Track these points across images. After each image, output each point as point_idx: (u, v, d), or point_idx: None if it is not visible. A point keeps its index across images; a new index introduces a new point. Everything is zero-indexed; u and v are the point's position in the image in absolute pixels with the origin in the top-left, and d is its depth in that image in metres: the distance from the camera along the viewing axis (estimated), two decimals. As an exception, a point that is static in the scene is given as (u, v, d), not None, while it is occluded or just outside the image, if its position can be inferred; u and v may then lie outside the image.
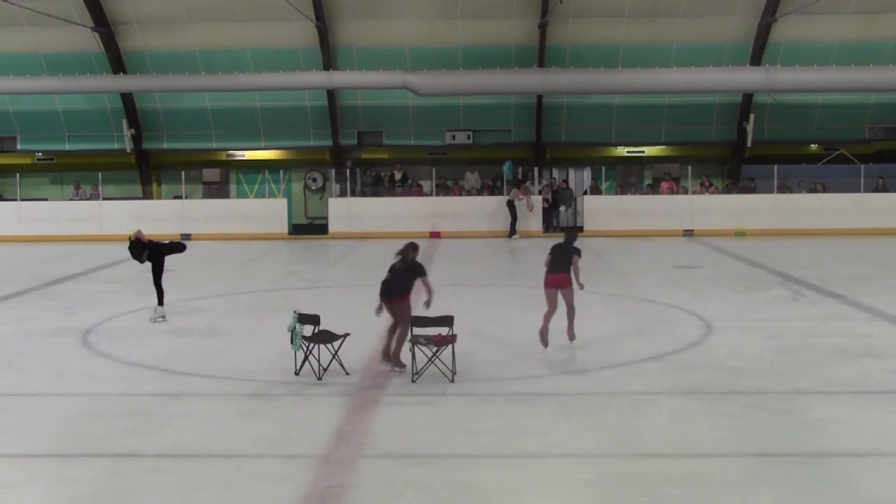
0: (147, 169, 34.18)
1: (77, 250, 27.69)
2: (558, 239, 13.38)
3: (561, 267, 12.80)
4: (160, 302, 15.63)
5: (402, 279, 11.65)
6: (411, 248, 11.81)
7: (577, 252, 12.91)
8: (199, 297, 18.29)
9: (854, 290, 17.98)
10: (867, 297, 17.13)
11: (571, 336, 13.11)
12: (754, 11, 30.52)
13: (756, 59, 31.10)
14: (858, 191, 30.98)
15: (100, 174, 32.59)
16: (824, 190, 31.84)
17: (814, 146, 33.41)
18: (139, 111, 33.39)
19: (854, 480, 7.89)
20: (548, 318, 12.81)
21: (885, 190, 31.49)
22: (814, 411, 9.82)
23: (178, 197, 32.90)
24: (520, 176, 32.05)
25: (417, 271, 11.69)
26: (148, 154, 34.07)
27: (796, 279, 19.69)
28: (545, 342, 12.75)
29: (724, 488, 7.73)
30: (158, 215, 31.47)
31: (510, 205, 30.66)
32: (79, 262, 24.25)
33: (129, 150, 33.38)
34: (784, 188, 31.71)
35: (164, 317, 15.55)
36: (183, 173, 32.56)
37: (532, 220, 30.83)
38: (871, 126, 33.00)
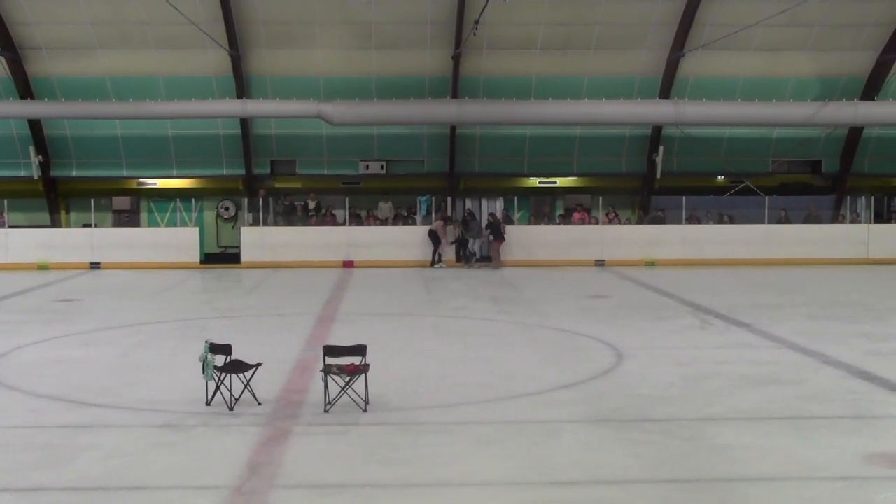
0: (55, 197, 33.45)
1: (-19, 279, 27.01)
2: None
3: (496, 235, 29.10)
4: None
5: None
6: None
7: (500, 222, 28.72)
8: (110, 327, 17.98)
9: (760, 318, 18.44)
10: (772, 325, 17.58)
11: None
12: (663, 46, 31.16)
13: (665, 92, 31.74)
14: (763, 222, 31.88)
15: (5, 201, 31.88)
16: (731, 221, 32.70)
17: (721, 178, 34.14)
18: (47, 138, 32.72)
19: (760, 504, 8.08)
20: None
21: (787, 221, 32.40)
22: (722, 437, 10.02)
23: (88, 225, 32.30)
24: (433, 206, 32.24)
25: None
26: (56, 182, 33.37)
27: (705, 308, 20.11)
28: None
29: (635, 514, 7.86)
30: (67, 244, 31.01)
31: (433, 234, 30.75)
32: (-17, 292, 23.62)
33: (36, 178, 32.61)
34: (693, 219, 32.42)
35: None
36: (92, 201, 31.95)
37: (446, 250, 30.99)
38: (774, 159, 33.86)
